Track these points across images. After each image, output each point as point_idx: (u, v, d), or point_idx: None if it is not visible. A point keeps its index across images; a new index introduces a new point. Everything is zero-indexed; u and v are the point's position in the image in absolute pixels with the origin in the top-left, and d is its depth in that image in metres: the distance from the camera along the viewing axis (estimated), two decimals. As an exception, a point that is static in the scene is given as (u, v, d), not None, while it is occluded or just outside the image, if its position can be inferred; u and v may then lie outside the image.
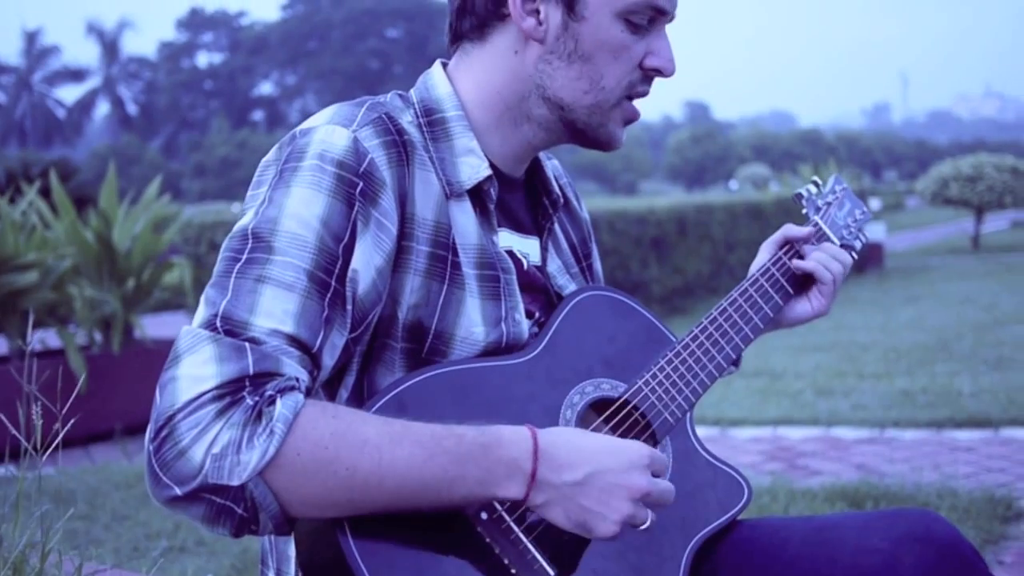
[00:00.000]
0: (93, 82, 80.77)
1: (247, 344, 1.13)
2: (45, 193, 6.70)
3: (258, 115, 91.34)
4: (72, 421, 1.54)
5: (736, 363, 1.66)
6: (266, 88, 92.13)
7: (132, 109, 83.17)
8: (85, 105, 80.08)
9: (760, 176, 39.31)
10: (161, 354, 6.31)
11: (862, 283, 13.23)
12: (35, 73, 78.15)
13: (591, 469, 1.21)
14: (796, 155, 64.54)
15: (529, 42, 1.39)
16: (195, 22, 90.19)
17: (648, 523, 1.25)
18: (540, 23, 1.37)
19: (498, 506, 1.23)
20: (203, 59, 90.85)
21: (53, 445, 1.53)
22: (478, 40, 1.42)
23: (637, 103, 1.45)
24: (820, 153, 58.08)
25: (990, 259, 15.93)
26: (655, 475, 1.26)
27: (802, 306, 1.63)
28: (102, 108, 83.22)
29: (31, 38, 78.54)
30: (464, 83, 1.43)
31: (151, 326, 6.92)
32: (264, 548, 1.43)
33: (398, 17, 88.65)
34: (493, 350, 1.36)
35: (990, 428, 5.09)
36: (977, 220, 18.20)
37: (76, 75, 79.73)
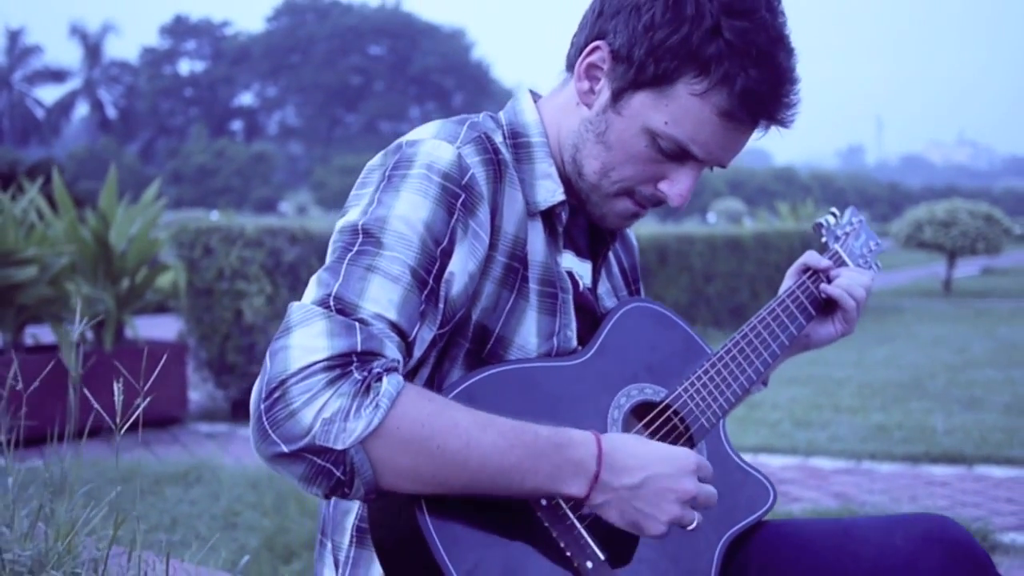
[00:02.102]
0: (74, 84, 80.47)
1: (357, 324, 1.25)
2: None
3: (237, 125, 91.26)
4: (149, 399, 1.64)
5: (765, 382, 1.78)
6: (246, 99, 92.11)
7: (111, 112, 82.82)
8: (64, 106, 79.70)
9: (735, 211, 39.72)
10: (152, 354, 6.37)
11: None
12: (15, 72, 77.71)
13: (647, 474, 1.33)
14: (771, 192, 65.11)
15: (581, 104, 1.51)
16: (179, 29, 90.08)
17: (695, 524, 1.37)
18: (593, 91, 1.48)
19: None
20: (185, 66, 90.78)
21: (131, 421, 1.63)
22: (569, 76, 1.55)
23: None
24: (794, 191, 58.64)
25: (961, 304, 16.18)
26: (701, 480, 1.38)
27: (827, 328, 1.76)
28: (81, 110, 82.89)
29: (13, 37, 78.13)
30: (547, 112, 1.56)
31: (141, 327, 6.97)
32: (325, 518, 1.54)
33: (382, 35, 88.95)
34: None
35: (964, 464, 5.24)
36: (949, 265, 18.45)
37: (57, 76, 79.34)
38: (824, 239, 1.86)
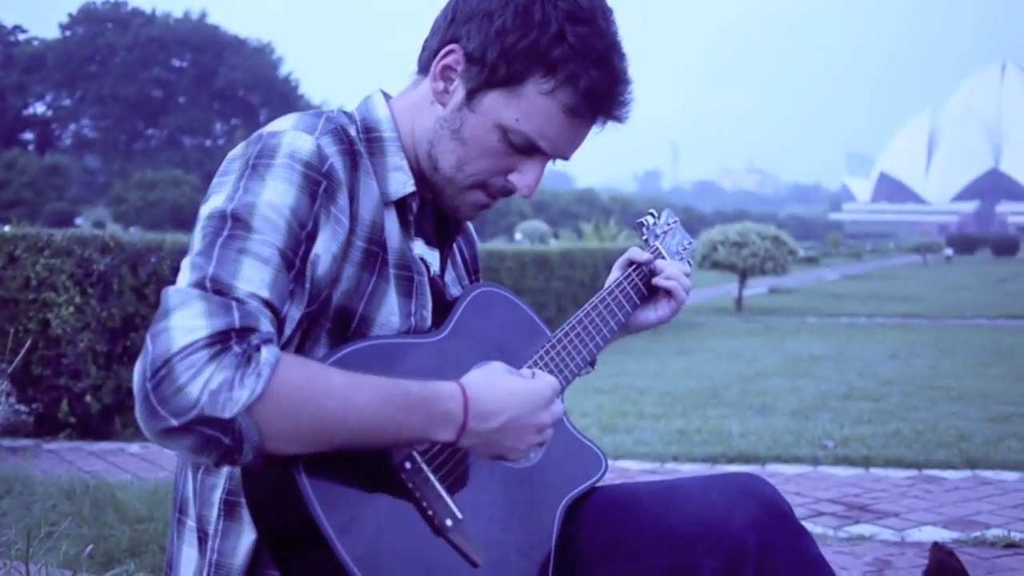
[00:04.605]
0: None
1: (233, 303, 1.34)
2: None
3: (28, 135, 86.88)
4: None
5: (592, 364, 1.97)
6: (39, 108, 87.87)
7: None
8: None
9: (539, 231, 40.60)
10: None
11: (638, 334, 13.93)
12: None
13: (508, 416, 1.49)
14: (573, 213, 66.84)
15: (436, 102, 1.63)
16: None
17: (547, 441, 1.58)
18: (448, 91, 1.61)
19: (418, 458, 1.48)
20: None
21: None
22: (420, 77, 1.68)
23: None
24: (596, 212, 60.26)
25: (751, 320, 17.08)
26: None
27: (646, 314, 1.97)
28: None
29: None
30: (399, 110, 1.68)
31: (-62, 339, 6.67)
32: (185, 497, 1.60)
33: (185, 48, 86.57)
34: None
35: (757, 463, 5.62)
36: (741, 284, 19.40)
37: None
38: (645, 236, 2.06)
